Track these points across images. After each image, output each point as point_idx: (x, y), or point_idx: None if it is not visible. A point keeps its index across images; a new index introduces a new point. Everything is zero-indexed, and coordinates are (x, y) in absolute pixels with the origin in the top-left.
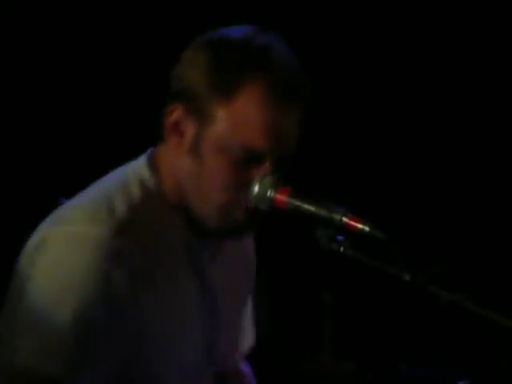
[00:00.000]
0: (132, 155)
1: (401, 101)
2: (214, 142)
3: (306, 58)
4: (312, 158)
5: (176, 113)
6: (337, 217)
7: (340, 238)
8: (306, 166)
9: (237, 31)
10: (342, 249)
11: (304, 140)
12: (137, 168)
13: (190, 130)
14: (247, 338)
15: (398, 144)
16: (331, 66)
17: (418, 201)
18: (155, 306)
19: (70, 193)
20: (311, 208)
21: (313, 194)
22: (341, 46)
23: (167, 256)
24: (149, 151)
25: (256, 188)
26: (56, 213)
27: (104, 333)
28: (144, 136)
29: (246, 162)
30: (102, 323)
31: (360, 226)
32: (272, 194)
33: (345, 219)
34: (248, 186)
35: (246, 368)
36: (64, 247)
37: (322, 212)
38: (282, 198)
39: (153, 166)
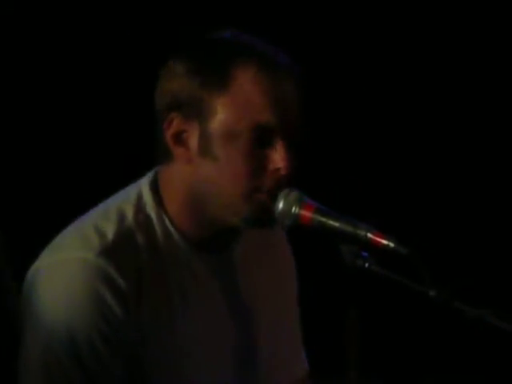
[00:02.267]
0: (137, 175)
1: (422, 114)
2: (221, 133)
3: (306, 64)
4: (332, 174)
5: (174, 123)
6: (361, 232)
7: (365, 253)
8: (326, 182)
9: (206, 37)
10: (366, 265)
11: (324, 158)
12: (139, 190)
13: (193, 134)
14: (299, 361)
15: (415, 159)
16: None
17: (437, 214)
18: (157, 325)
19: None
20: (336, 224)
21: (336, 209)
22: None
23: (167, 276)
24: (153, 171)
25: (281, 204)
26: (54, 240)
27: (104, 351)
28: (147, 155)
29: (258, 144)
30: (99, 340)
31: (385, 241)
32: (297, 211)
33: (369, 235)
34: (265, 167)
35: None
36: (56, 273)
37: (347, 228)
38: (306, 214)
39: (155, 188)
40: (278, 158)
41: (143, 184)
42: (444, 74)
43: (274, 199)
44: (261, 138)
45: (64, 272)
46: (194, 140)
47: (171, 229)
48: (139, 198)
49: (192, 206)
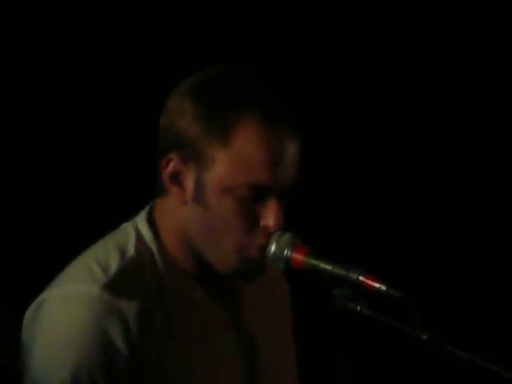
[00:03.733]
0: (135, 210)
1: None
2: (217, 185)
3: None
4: (325, 216)
5: (172, 163)
6: (353, 276)
7: (357, 296)
8: (319, 223)
9: (216, 73)
10: (358, 308)
11: (317, 201)
12: (135, 225)
13: (189, 177)
14: None
15: (409, 200)
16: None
17: (430, 258)
18: (165, 360)
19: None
20: (328, 267)
21: (328, 251)
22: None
23: (170, 309)
24: (149, 206)
25: (273, 247)
26: (60, 274)
27: None
28: (146, 189)
29: (252, 200)
30: (102, 378)
31: (377, 285)
32: (289, 254)
33: (361, 278)
34: (257, 222)
35: None
36: (60, 307)
37: (339, 271)
38: (298, 257)
39: (151, 221)
40: (270, 215)
41: (139, 219)
42: (443, 81)
43: (263, 254)
44: (255, 195)
45: (67, 307)
46: (189, 183)
47: (171, 260)
48: (137, 231)
49: (185, 242)
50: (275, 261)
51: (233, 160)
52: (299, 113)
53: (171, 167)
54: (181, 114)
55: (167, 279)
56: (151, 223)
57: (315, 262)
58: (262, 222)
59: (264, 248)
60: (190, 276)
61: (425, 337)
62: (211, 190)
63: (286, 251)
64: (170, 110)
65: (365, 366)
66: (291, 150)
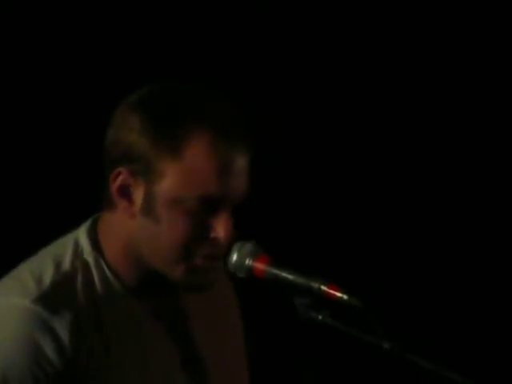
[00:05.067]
0: (78, 222)
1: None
2: (167, 197)
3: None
4: (289, 224)
5: (121, 177)
6: (315, 285)
7: (318, 306)
8: (280, 232)
9: (163, 87)
10: (320, 317)
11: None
12: (75, 237)
13: (138, 191)
14: None
15: (377, 213)
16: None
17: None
18: (101, 376)
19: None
20: (289, 276)
21: (291, 260)
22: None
23: (105, 323)
24: (92, 218)
25: (234, 256)
26: None
27: None
28: (90, 202)
29: (202, 211)
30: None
31: (338, 294)
32: (250, 263)
33: (323, 287)
34: (206, 234)
35: None
36: None
37: (301, 280)
38: (260, 266)
39: (93, 233)
40: (220, 228)
41: (80, 231)
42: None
43: (209, 264)
44: (205, 207)
45: (1, 317)
46: (138, 197)
47: (109, 274)
48: (76, 244)
49: (130, 255)
50: (237, 270)
51: (183, 172)
52: (255, 125)
53: (120, 181)
54: (128, 128)
55: (103, 293)
56: (93, 235)
57: (276, 272)
58: (213, 234)
59: (210, 257)
60: (132, 290)
61: (386, 346)
62: (161, 203)
63: (247, 260)
64: (117, 125)
65: (327, 375)
66: (241, 161)
